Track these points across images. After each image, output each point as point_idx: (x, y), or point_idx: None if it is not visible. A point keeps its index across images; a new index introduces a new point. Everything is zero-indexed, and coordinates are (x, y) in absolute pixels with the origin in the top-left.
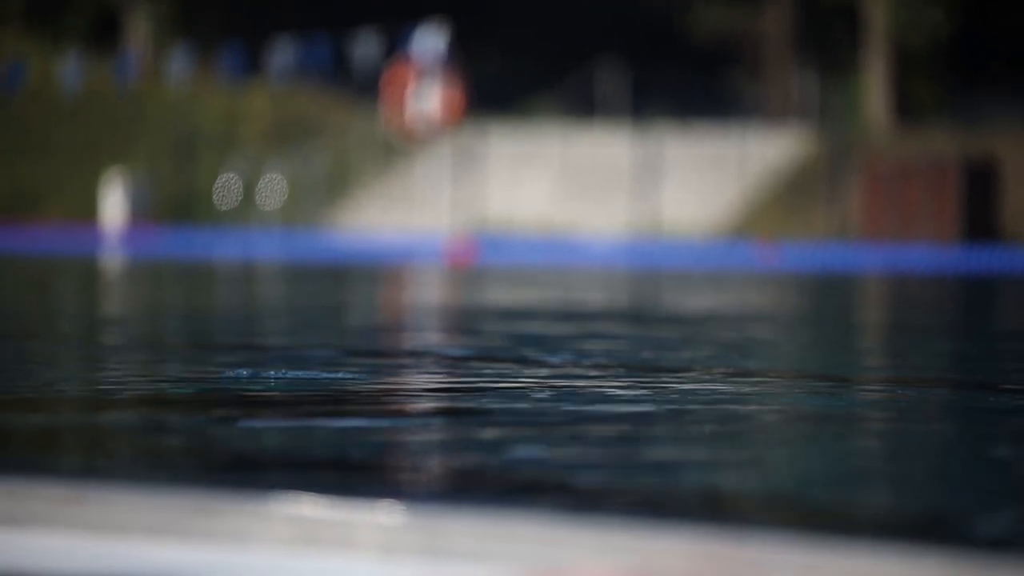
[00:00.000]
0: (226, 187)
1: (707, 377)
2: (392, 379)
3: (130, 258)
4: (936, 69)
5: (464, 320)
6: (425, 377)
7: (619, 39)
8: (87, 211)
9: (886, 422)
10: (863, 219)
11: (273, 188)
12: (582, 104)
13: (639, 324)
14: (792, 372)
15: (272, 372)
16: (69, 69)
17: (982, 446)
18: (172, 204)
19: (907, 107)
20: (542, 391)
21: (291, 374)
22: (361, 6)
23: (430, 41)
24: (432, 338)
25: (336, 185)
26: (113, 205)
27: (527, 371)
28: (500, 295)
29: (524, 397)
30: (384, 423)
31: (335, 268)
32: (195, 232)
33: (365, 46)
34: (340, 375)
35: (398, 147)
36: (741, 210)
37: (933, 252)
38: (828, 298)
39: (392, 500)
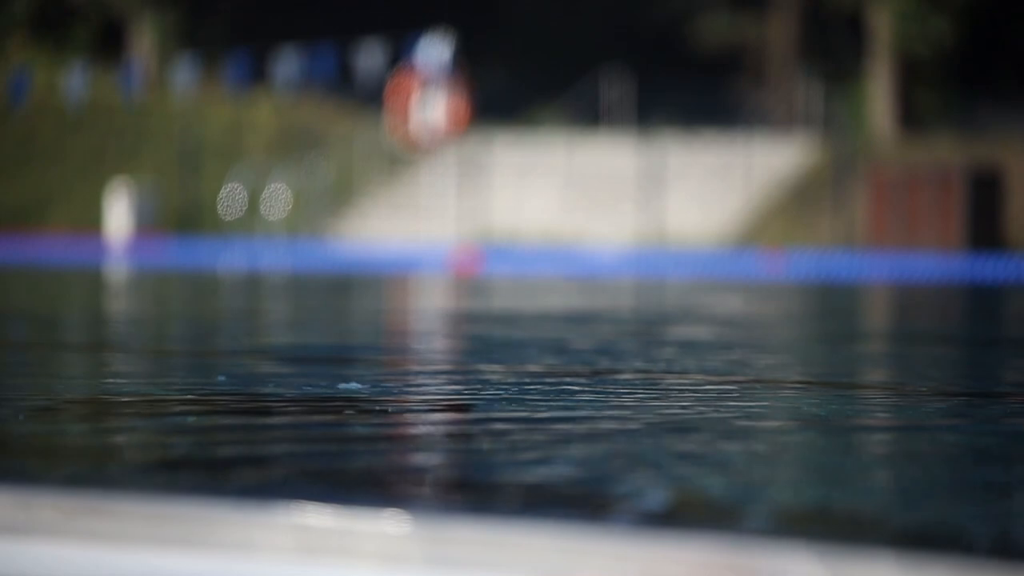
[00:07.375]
0: (231, 197)
1: (716, 384)
2: (396, 388)
3: (135, 268)
4: (941, 78)
5: (469, 329)
6: (430, 386)
7: (624, 48)
8: (92, 222)
9: (889, 430)
10: (868, 227)
11: (278, 198)
12: (587, 113)
13: (644, 331)
14: (798, 379)
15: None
16: (74, 80)
17: (983, 455)
18: (177, 214)
19: (912, 116)
20: (549, 399)
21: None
22: (365, 16)
23: (435, 51)
24: (436, 346)
25: (341, 195)
26: (118, 215)
27: (533, 379)
28: (506, 304)
29: (530, 405)
30: (387, 431)
31: (340, 278)
32: (200, 242)
33: (369, 56)
34: (345, 384)
35: (403, 157)
36: (747, 219)
37: (938, 260)
38: (835, 306)
39: (396, 509)
